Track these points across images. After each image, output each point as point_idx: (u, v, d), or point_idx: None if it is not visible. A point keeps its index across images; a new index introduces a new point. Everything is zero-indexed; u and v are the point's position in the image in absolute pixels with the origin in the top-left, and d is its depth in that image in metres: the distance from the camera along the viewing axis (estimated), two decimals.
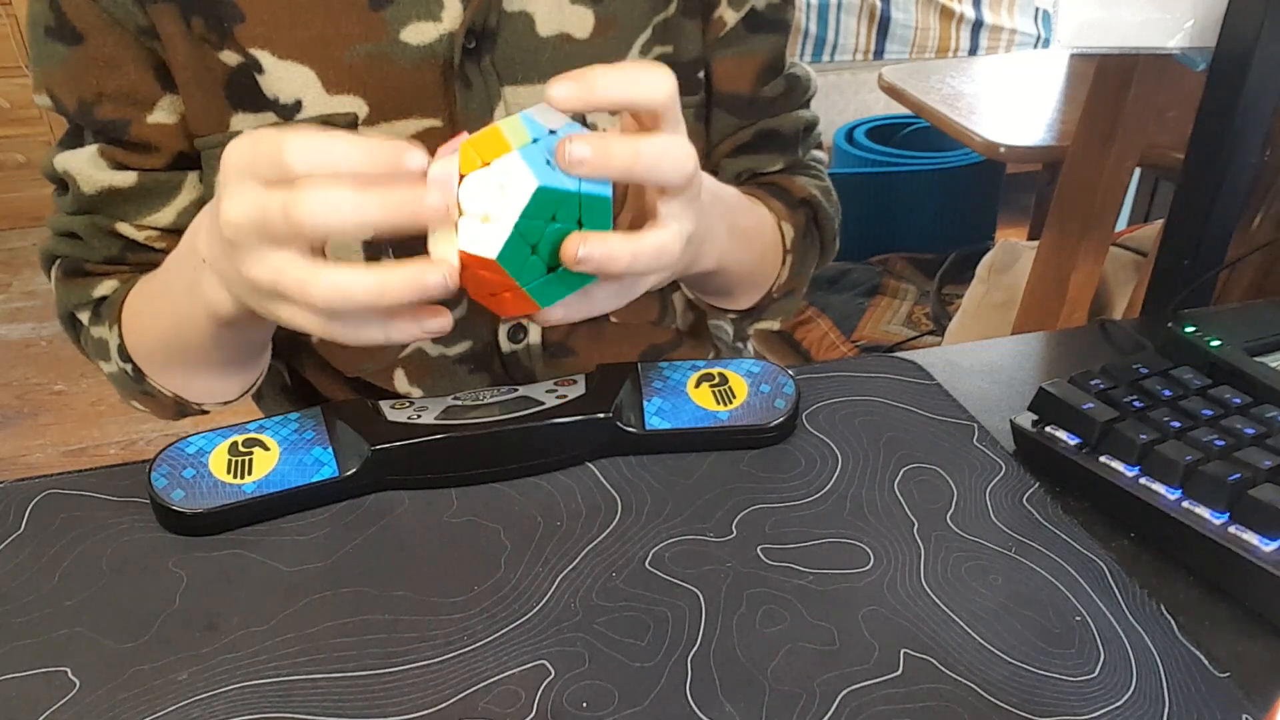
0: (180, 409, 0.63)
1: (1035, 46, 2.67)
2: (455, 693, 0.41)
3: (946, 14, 2.60)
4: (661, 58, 0.63)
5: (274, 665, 0.42)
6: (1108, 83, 1.09)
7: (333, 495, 0.51)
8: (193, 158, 0.60)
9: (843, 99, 2.60)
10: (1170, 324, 0.60)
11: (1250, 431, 0.50)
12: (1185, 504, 0.48)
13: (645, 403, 0.55)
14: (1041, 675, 0.42)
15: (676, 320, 0.74)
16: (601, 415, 0.53)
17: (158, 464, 0.50)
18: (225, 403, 0.63)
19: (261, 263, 0.40)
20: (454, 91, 0.58)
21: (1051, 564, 0.48)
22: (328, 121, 0.57)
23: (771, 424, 0.55)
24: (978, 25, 2.63)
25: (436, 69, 0.57)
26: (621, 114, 0.46)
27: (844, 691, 0.41)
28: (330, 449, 0.51)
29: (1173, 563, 0.48)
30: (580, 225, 0.42)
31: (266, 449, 0.51)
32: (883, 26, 2.59)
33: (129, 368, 0.59)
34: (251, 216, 0.39)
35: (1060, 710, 0.40)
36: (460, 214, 0.40)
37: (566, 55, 0.59)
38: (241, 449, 0.50)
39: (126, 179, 0.58)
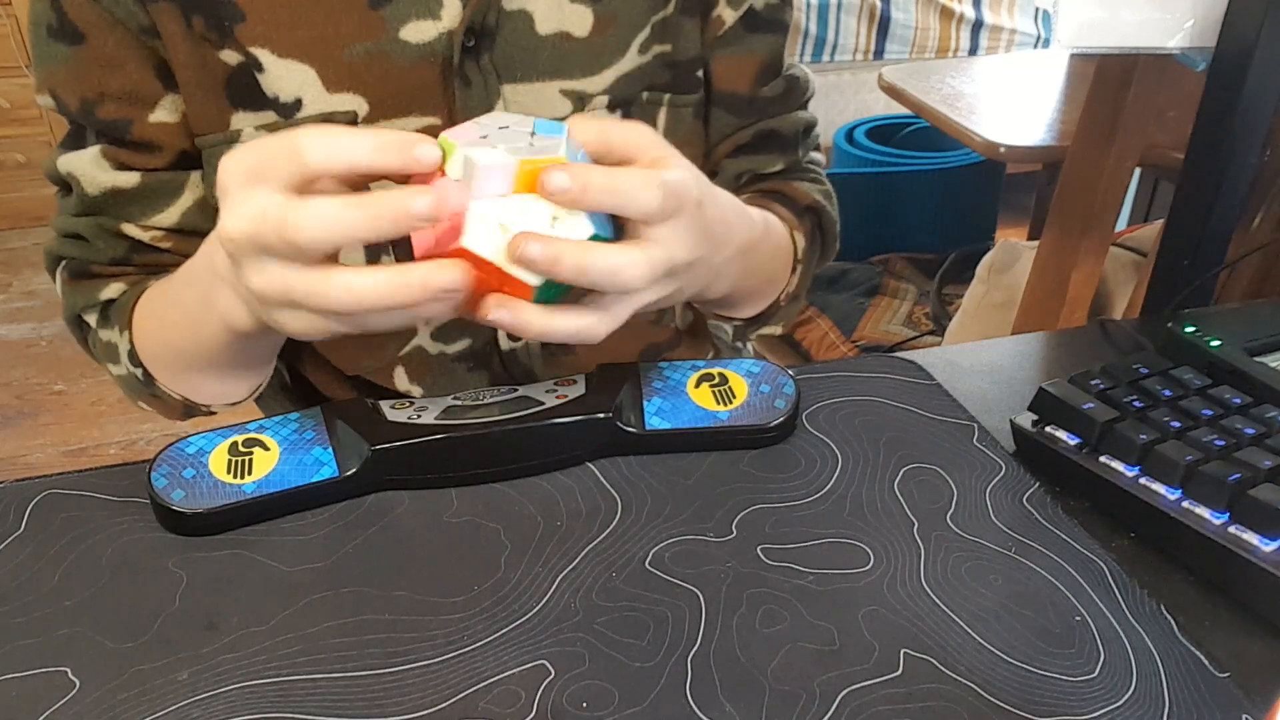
0: (188, 410, 0.63)
1: (1035, 46, 2.67)
2: (455, 693, 0.41)
3: (946, 14, 2.60)
4: (660, 56, 0.63)
5: (274, 665, 0.42)
6: (1108, 83, 1.10)
7: (333, 495, 0.51)
8: (194, 157, 0.60)
9: (843, 99, 2.60)
10: (1170, 324, 0.60)
11: (1250, 431, 0.50)
12: (1185, 504, 0.48)
13: (645, 403, 0.55)
14: (1041, 675, 0.42)
15: (676, 320, 0.74)
16: (601, 415, 0.53)
17: (158, 464, 0.50)
18: (233, 404, 0.63)
19: (264, 274, 0.41)
20: (453, 90, 0.58)
21: (1051, 564, 0.48)
22: (328, 120, 0.57)
23: (771, 424, 0.55)
24: (978, 25, 2.63)
25: (436, 67, 0.57)
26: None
27: (844, 691, 0.41)
28: (330, 449, 0.51)
29: (1173, 563, 0.48)
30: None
31: (266, 449, 0.51)
32: (883, 26, 2.59)
33: (139, 372, 0.60)
34: (248, 231, 0.39)
35: (1060, 710, 0.40)
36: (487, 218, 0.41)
37: (565, 54, 0.59)
38: (241, 449, 0.50)
39: (130, 179, 0.58)
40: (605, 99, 0.61)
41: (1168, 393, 0.54)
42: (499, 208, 0.41)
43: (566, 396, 0.54)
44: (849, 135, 2.43)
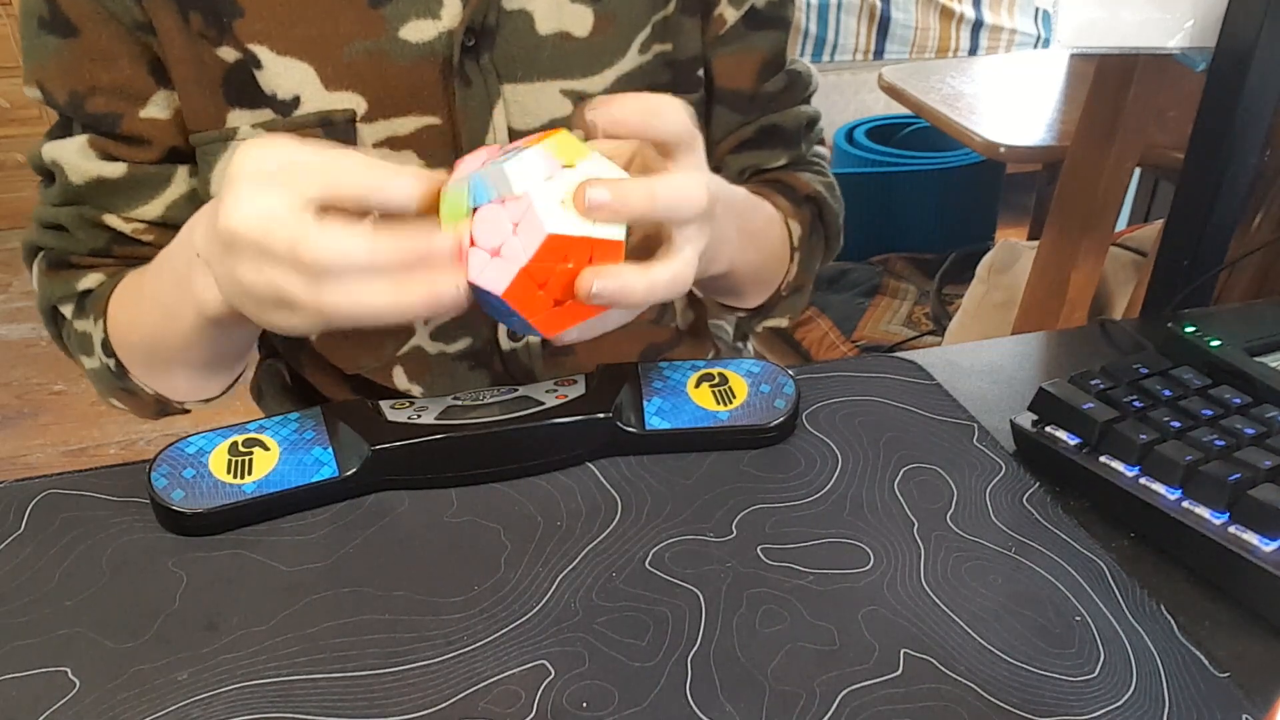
0: (161, 407, 0.62)
1: (1035, 46, 2.67)
2: (455, 693, 0.41)
3: (946, 14, 2.60)
4: (660, 55, 0.63)
5: (274, 665, 0.42)
6: (1108, 83, 1.10)
7: (333, 495, 0.51)
8: (185, 153, 0.59)
9: (843, 99, 2.60)
10: (1170, 324, 0.60)
11: (1250, 431, 0.50)
12: (1185, 504, 0.48)
13: (645, 403, 0.55)
14: (1041, 675, 0.42)
15: (676, 319, 0.74)
16: (601, 415, 0.53)
17: (158, 464, 0.50)
18: (205, 400, 0.63)
19: (260, 274, 0.40)
20: (453, 89, 0.58)
21: (1051, 564, 0.48)
22: (326, 118, 0.57)
23: (771, 424, 0.55)
24: (978, 25, 2.63)
25: (435, 67, 0.57)
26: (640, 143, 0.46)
27: (844, 691, 0.41)
28: (330, 449, 0.51)
29: (1173, 563, 0.48)
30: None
31: (266, 449, 0.51)
32: (883, 26, 2.59)
33: (111, 363, 0.59)
34: (256, 232, 0.39)
35: (1060, 710, 0.40)
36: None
37: (566, 53, 0.59)
38: (241, 449, 0.50)
39: (115, 169, 0.58)
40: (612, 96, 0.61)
41: (1168, 393, 0.54)
42: (552, 189, 0.41)
43: (566, 396, 0.54)
44: (849, 135, 2.43)
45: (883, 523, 0.50)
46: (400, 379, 0.68)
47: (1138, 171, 1.70)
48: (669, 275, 0.43)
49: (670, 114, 0.43)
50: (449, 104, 0.58)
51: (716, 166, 0.69)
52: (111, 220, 0.59)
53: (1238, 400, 0.52)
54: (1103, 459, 0.51)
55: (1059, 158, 1.25)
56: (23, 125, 2.58)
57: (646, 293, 0.43)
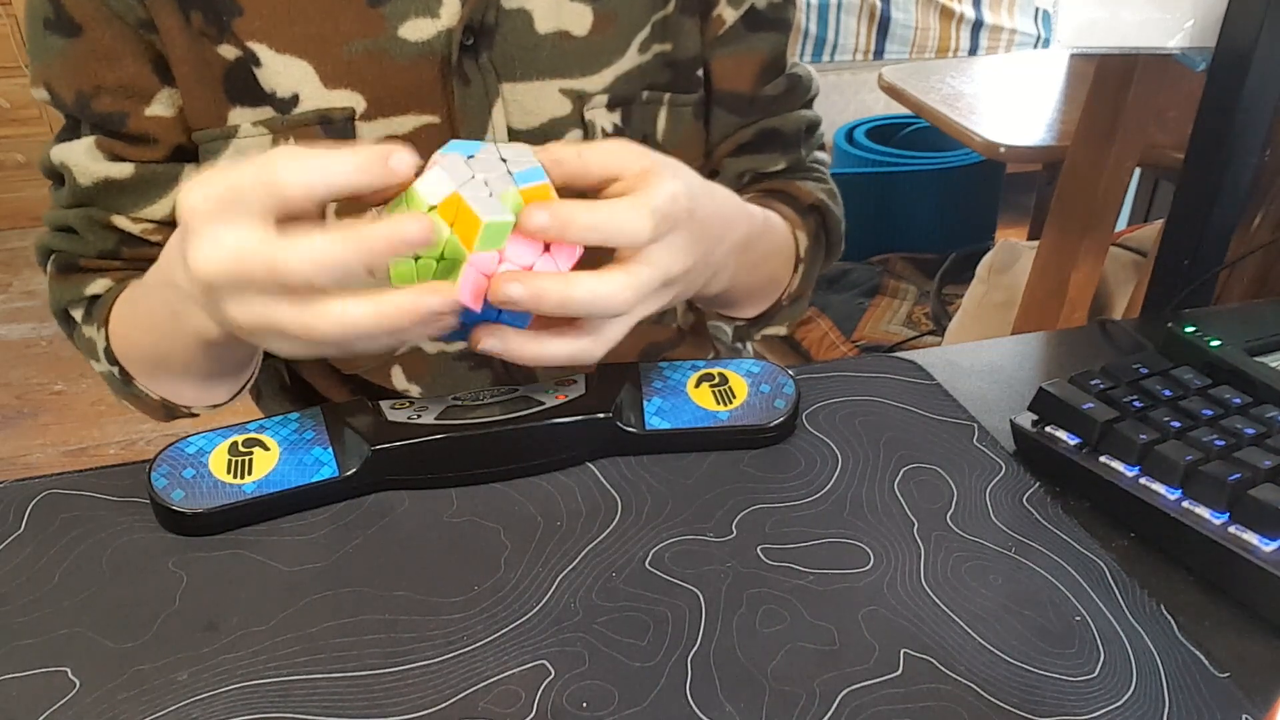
0: (169, 411, 0.63)
1: (1035, 46, 2.67)
2: (455, 693, 0.41)
3: (946, 14, 2.61)
4: (660, 55, 0.63)
5: (274, 665, 0.42)
6: (1108, 83, 1.10)
7: (333, 495, 0.51)
8: (191, 151, 0.60)
9: (843, 99, 2.60)
10: (1170, 324, 0.60)
11: (1250, 431, 0.50)
12: (1185, 504, 0.48)
13: (645, 403, 0.55)
14: (1041, 675, 0.42)
15: (676, 319, 0.74)
16: (601, 415, 0.53)
17: (158, 464, 0.50)
18: (214, 406, 0.63)
19: (247, 307, 0.40)
20: (452, 88, 0.58)
21: (1051, 564, 0.48)
22: (325, 116, 0.57)
23: (771, 424, 0.55)
24: (978, 25, 2.63)
25: (435, 66, 0.57)
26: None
27: (844, 691, 0.41)
28: (330, 449, 0.51)
29: (1173, 563, 0.48)
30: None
31: (266, 449, 0.51)
32: (883, 26, 2.59)
33: (116, 370, 0.59)
34: (228, 269, 0.39)
35: (1060, 710, 0.40)
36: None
37: (565, 53, 0.59)
38: (241, 449, 0.50)
39: (123, 170, 0.58)
40: (605, 98, 0.61)
41: (1168, 393, 0.54)
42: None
43: (566, 396, 0.54)
44: (849, 135, 2.43)
45: (883, 523, 0.50)
46: (399, 379, 0.68)
47: (1138, 171, 1.70)
48: (591, 290, 0.41)
49: (630, 229, 0.42)
50: (448, 103, 0.58)
51: (715, 170, 0.69)
52: (120, 221, 0.60)
53: (1238, 400, 0.52)
54: (1103, 459, 0.51)
55: (1059, 158, 1.25)
56: (23, 125, 2.58)
57: (534, 358, 0.42)
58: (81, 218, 0.59)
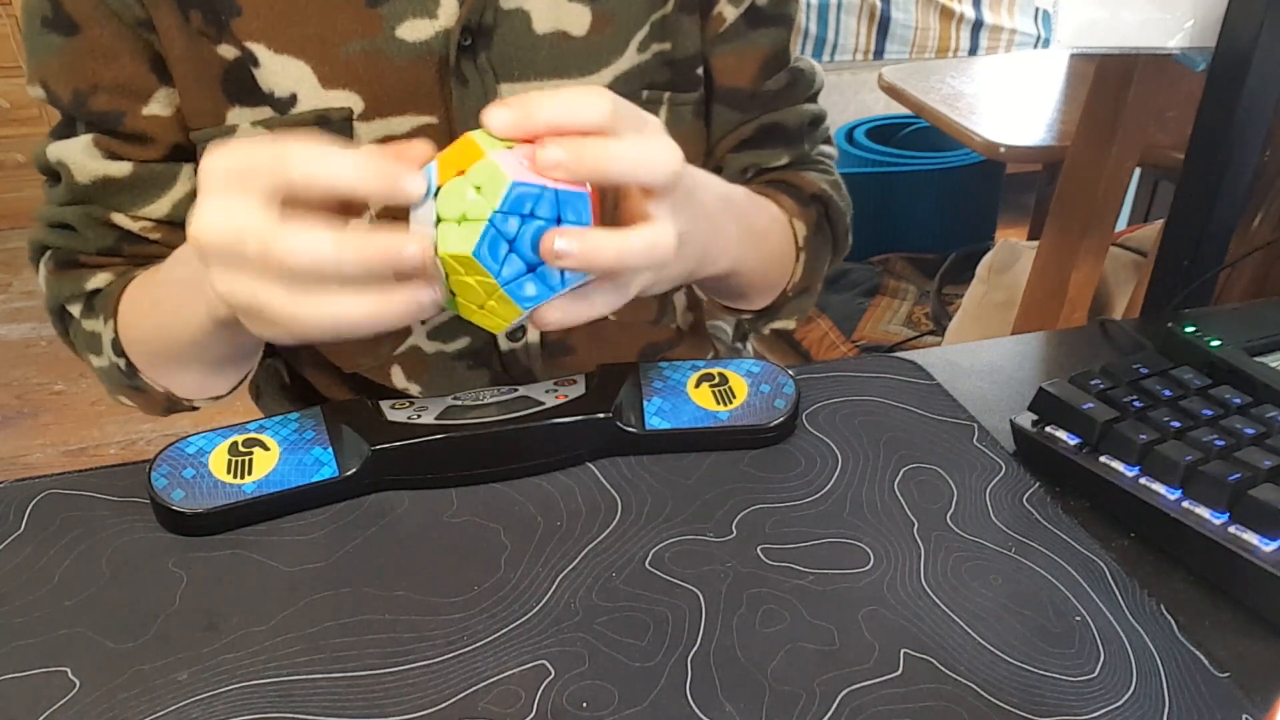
0: (170, 405, 0.63)
1: (1035, 46, 2.67)
2: (455, 693, 0.41)
3: (946, 14, 2.60)
4: (659, 55, 0.63)
5: (274, 665, 0.42)
6: (1108, 83, 1.09)
7: (333, 495, 0.51)
8: (189, 150, 0.60)
9: (843, 99, 2.60)
10: (1170, 324, 0.60)
11: (1250, 431, 0.50)
12: (1185, 504, 0.48)
13: (645, 403, 0.55)
14: (1041, 675, 0.42)
15: (676, 319, 0.74)
16: (601, 415, 0.53)
17: (158, 464, 0.50)
18: (215, 398, 0.63)
19: (236, 282, 0.40)
20: (450, 88, 0.58)
21: (1051, 564, 0.48)
22: (323, 116, 0.57)
23: (771, 424, 0.55)
24: (978, 25, 2.63)
25: (432, 66, 0.57)
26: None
27: (844, 691, 0.41)
28: (330, 449, 0.51)
29: (1173, 563, 0.48)
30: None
31: (266, 449, 0.51)
32: (883, 26, 2.59)
33: (121, 362, 0.59)
34: (225, 238, 0.39)
35: (1060, 710, 0.40)
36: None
37: (563, 53, 0.59)
38: (241, 449, 0.50)
39: (121, 168, 0.58)
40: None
41: (1168, 393, 0.54)
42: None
43: (566, 396, 0.54)
44: (849, 135, 2.43)
45: (883, 523, 0.50)
46: (398, 378, 0.68)
47: (1138, 171, 1.70)
48: (644, 240, 0.41)
49: (588, 103, 0.41)
50: (446, 103, 0.58)
51: (717, 166, 0.69)
52: (119, 219, 0.59)
53: (1238, 400, 0.52)
54: (1103, 459, 0.51)
55: (1059, 158, 1.25)
56: (22, 125, 2.58)
57: (618, 254, 0.40)
58: (80, 215, 0.59)
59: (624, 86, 0.62)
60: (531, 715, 0.40)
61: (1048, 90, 1.62)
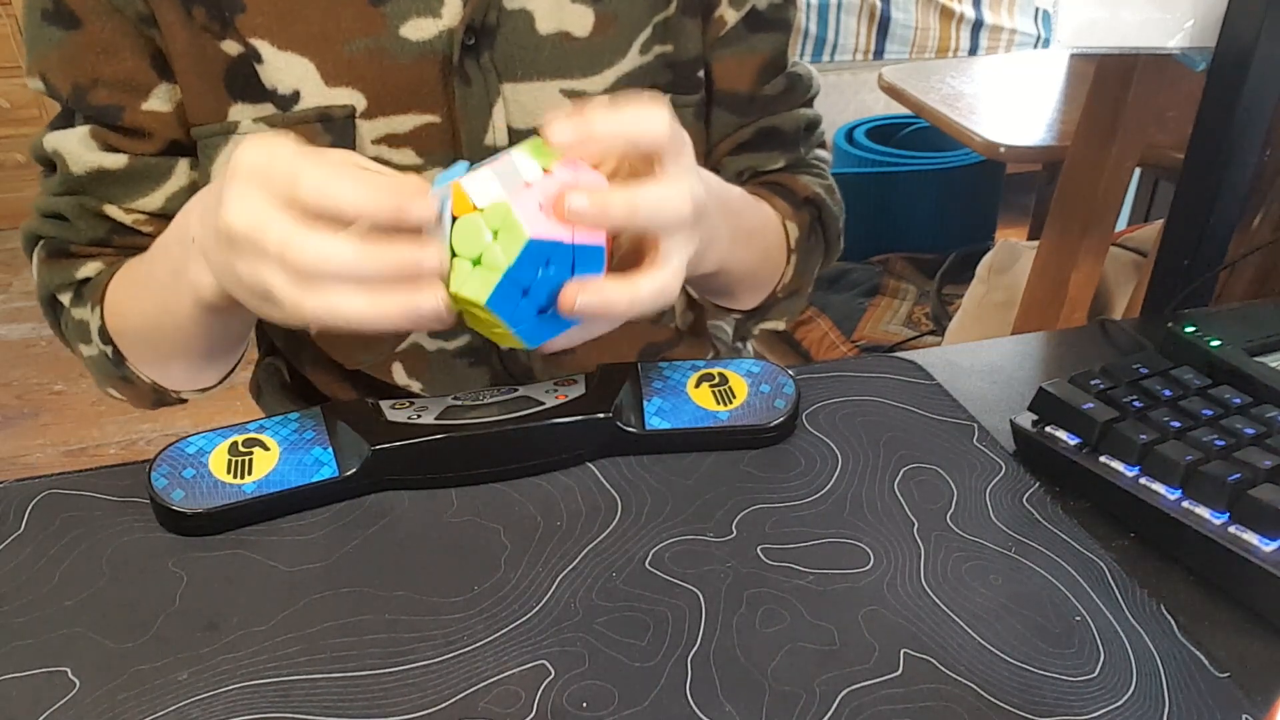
0: (158, 397, 0.63)
1: (1035, 46, 2.67)
2: (455, 693, 0.41)
3: (946, 14, 2.60)
4: (661, 56, 0.63)
5: (274, 665, 0.42)
6: (1108, 83, 1.09)
7: (333, 495, 0.51)
8: (186, 145, 0.60)
9: (843, 99, 2.60)
10: (1170, 324, 0.60)
11: (1250, 431, 0.50)
12: (1185, 504, 0.48)
13: (645, 403, 0.55)
14: (1041, 675, 0.42)
15: (676, 319, 0.74)
16: (601, 415, 0.53)
17: (158, 464, 0.50)
18: (202, 390, 0.63)
19: (255, 271, 0.41)
20: (453, 88, 0.58)
21: (1051, 564, 0.48)
22: (326, 114, 0.57)
23: (771, 424, 0.55)
24: (978, 25, 2.63)
25: (436, 65, 0.57)
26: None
27: (844, 691, 0.41)
28: (330, 449, 0.51)
29: (1173, 563, 0.48)
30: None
31: (266, 449, 0.51)
32: (883, 26, 2.59)
33: (109, 350, 0.59)
34: (250, 231, 0.40)
35: (1060, 710, 0.40)
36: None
37: (566, 53, 0.59)
38: (241, 449, 0.50)
39: (117, 161, 0.58)
40: (606, 99, 0.61)
41: (1168, 393, 0.54)
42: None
43: (566, 396, 0.54)
44: (849, 135, 2.43)
45: (883, 523, 0.50)
46: (399, 375, 0.68)
47: (1138, 171, 1.70)
48: (654, 287, 0.43)
49: (649, 123, 0.43)
50: (448, 102, 0.59)
51: (714, 168, 0.69)
52: (112, 211, 0.59)
53: (1238, 400, 0.52)
54: (1103, 459, 0.51)
55: (1059, 158, 1.25)
56: (22, 125, 2.58)
57: (629, 306, 0.43)
58: (73, 205, 0.59)
59: (626, 88, 0.62)
60: (531, 715, 0.40)
61: (1048, 90, 1.62)
